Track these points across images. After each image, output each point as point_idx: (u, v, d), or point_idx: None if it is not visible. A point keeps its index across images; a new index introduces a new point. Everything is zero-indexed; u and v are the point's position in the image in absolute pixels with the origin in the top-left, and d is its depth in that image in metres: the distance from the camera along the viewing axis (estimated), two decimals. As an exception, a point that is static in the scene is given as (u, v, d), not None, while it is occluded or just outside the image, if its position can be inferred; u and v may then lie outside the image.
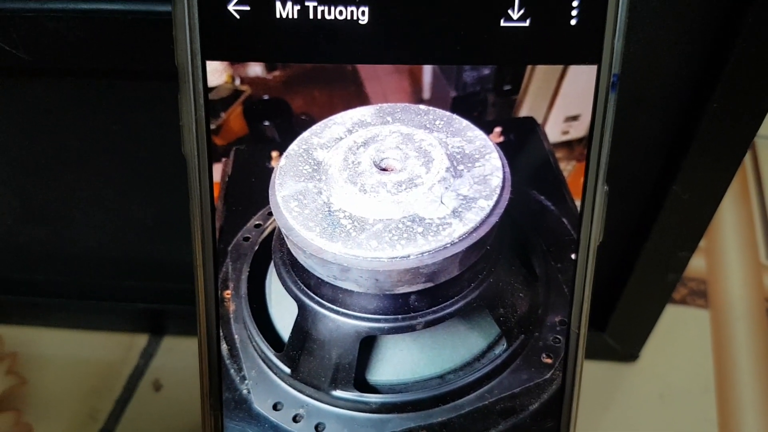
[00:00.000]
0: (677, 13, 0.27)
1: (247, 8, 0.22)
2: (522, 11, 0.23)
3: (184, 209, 0.26)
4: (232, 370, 0.27)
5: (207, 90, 0.23)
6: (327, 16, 0.22)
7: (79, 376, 0.38)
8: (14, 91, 0.31)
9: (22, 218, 0.36)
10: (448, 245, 0.25)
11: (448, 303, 0.26)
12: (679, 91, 0.29)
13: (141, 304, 0.39)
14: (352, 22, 0.22)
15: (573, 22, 0.23)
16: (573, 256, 0.26)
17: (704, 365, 0.41)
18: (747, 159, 0.53)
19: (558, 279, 0.27)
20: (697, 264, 0.46)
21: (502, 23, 0.23)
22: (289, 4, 0.22)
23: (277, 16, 0.22)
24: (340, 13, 0.22)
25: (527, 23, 0.23)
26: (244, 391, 0.27)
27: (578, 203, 0.25)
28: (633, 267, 0.35)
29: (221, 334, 0.26)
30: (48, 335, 0.40)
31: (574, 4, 0.23)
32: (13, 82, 0.31)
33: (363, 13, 0.22)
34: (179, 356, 0.39)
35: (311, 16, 0.22)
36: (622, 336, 0.39)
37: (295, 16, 0.22)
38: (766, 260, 0.46)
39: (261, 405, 0.27)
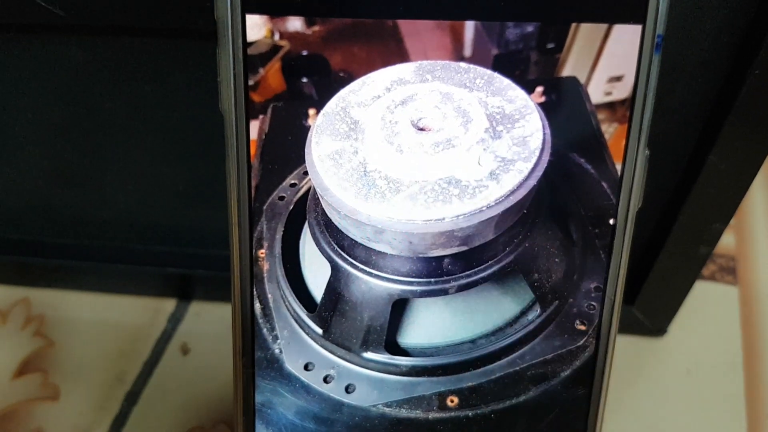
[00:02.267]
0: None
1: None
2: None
3: (216, 175, 0.26)
4: (264, 330, 0.27)
5: (246, 45, 0.23)
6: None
7: (107, 339, 0.39)
8: (48, 50, 0.31)
9: (53, 180, 0.36)
10: (484, 208, 0.25)
11: (482, 267, 0.26)
12: (718, 58, 0.29)
13: (170, 269, 0.39)
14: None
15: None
16: (611, 221, 0.25)
17: (732, 342, 0.41)
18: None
19: (595, 244, 0.26)
20: (726, 241, 0.45)
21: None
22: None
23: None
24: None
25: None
26: (276, 351, 0.27)
27: (618, 167, 0.25)
28: (665, 239, 0.34)
29: (255, 293, 0.26)
30: (75, 298, 0.40)
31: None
32: (47, 41, 0.30)
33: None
34: (207, 321, 0.39)
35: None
36: (650, 310, 0.38)
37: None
38: (796, 239, 0.46)
39: (292, 365, 0.27)
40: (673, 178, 0.33)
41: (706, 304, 0.42)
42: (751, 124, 0.29)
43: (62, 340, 0.38)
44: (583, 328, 0.27)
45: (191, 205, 0.37)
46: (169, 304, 0.40)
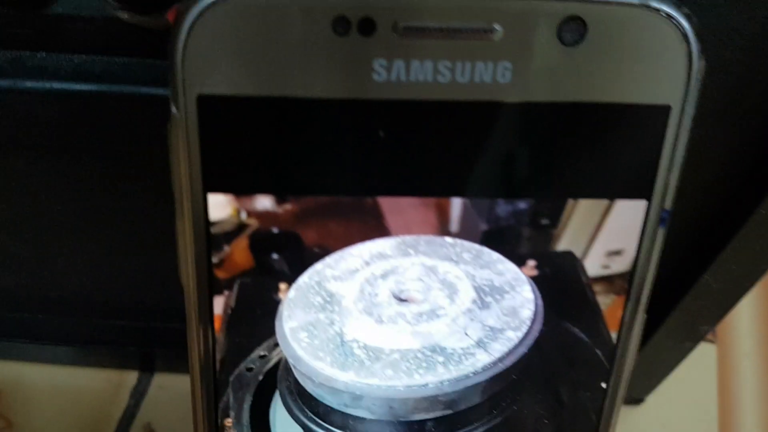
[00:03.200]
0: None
1: (254, 135, 0.20)
2: (572, 144, 0.20)
3: (172, 263, 0.23)
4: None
5: (208, 224, 0.20)
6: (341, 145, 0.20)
7: (68, 418, 0.37)
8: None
9: (2, 264, 0.33)
10: (471, 375, 0.23)
11: (466, 429, 0.25)
12: (725, 182, 0.27)
13: (130, 347, 0.37)
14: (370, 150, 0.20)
15: (624, 155, 0.20)
16: (603, 385, 0.24)
17: (709, 404, 0.40)
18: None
19: (586, 407, 0.25)
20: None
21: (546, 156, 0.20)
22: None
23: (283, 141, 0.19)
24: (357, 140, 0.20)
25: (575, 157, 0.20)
26: None
27: (614, 334, 0.23)
28: (651, 334, 0.33)
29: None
30: (33, 371, 0.38)
31: (628, 136, 0.20)
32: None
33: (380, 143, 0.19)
34: (172, 395, 0.38)
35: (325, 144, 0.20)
36: (630, 388, 0.38)
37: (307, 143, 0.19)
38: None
39: None
40: (664, 288, 0.31)
41: (684, 363, 0.41)
42: (750, 250, 0.28)
43: (21, 420, 0.37)
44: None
45: (149, 287, 0.34)
46: (131, 377, 0.38)
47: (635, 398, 0.39)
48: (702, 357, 0.42)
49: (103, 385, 0.38)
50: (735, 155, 0.26)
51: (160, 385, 0.38)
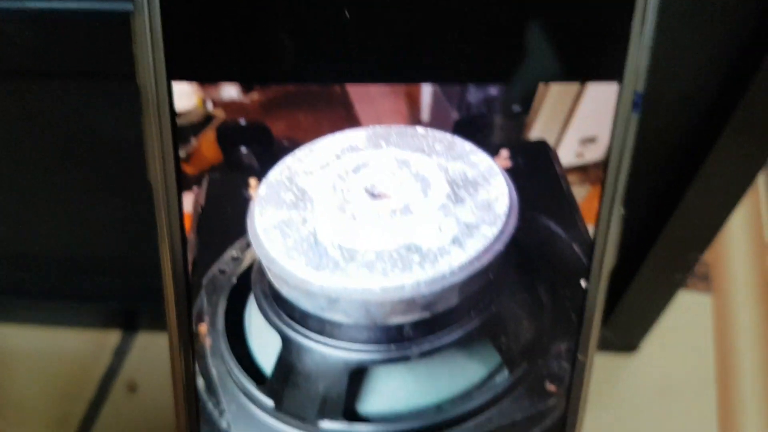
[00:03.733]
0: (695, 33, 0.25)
1: (218, 20, 0.19)
2: (540, 24, 0.20)
3: (152, 208, 0.23)
4: (210, 404, 0.25)
5: (174, 114, 0.20)
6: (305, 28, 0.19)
7: (49, 378, 0.36)
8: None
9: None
10: (447, 275, 0.23)
11: (445, 332, 0.24)
12: (700, 93, 0.27)
13: (113, 303, 0.36)
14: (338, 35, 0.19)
15: (594, 35, 0.20)
16: (582, 283, 0.23)
17: (705, 355, 0.39)
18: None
19: (566, 306, 0.24)
20: (698, 244, 0.44)
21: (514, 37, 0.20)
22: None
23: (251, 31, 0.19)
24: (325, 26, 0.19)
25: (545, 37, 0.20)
26: (224, 425, 0.25)
27: (590, 227, 0.23)
28: (640, 264, 0.33)
29: (197, 368, 0.24)
30: (14, 332, 0.38)
31: (596, 15, 0.20)
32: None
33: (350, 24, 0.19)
34: (154, 354, 0.37)
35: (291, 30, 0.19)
36: (622, 330, 0.37)
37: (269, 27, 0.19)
38: (770, 238, 0.44)
39: (242, 441, 0.25)
40: (650, 208, 0.31)
41: (679, 314, 0.41)
42: (732, 161, 0.27)
43: (2, 381, 0.36)
44: (553, 389, 0.26)
45: (130, 237, 0.34)
46: (113, 337, 0.38)
47: (630, 345, 0.38)
48: (697, 307, 0.41)
49: (85, 345, 0.37)
50: (708, 64, 0.26)
51: (144, 345, 0.38)
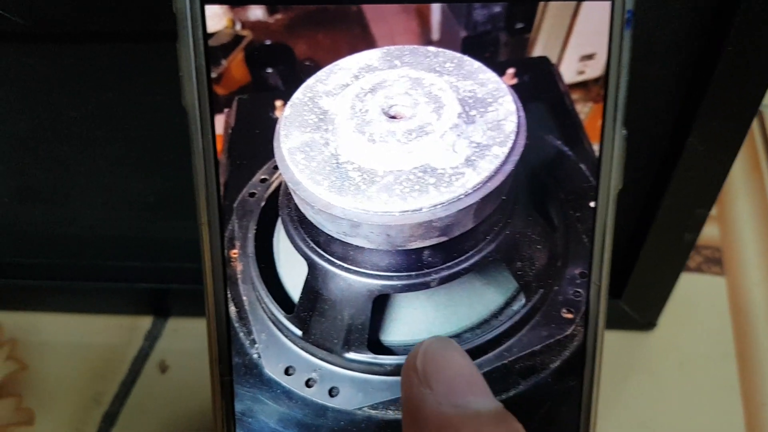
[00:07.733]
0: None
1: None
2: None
3: (187, 184, 0.25)
4: (241, 334, 0.26)
5: (207, 36, 0.22)
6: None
7: (82, 360, 0.37)
8: (7, 60, 0.30)
9: (18, 196, 0.35)
10: (462, 196, 0.24)
11: (463, 258, 0.25)
12: (689, 38, 0.28)
13: (143, 285, 0.38)
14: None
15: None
16: (592, 204, 0.25)
17: (723, 332, 0.40)
18: (755, 127, 0.52)
19: (577, 229, 0.26)
20: (710, 232, 0.45)
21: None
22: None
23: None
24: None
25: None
26: (255, 356, 0.26)
27: (596, 147, 0.24)
28: (649, 228, 0.34)
29: (229, 295, 0.25)
30: (48, 320, 0.39)
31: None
32: (6, 51, 0.30)
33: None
34: (186, 337, 0.38)
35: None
36: (639, 303, 0.38)
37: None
38: (780, 227, 0.45)
39: (272, 370, 0.26)
40: (653, 165, 0.32)
41: (695, 296, 0.42)
42: (728, 103, 0.29)
43: (36, 363, 0.37)
44: (570, 316, 0.26)
45: (162, 217, 0.36)
46: (145, 322, 0.39)
47: (647, 321, 0.39)
48: (712, 289, 0.42)
49: (117, 330, 0.39)
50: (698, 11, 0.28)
51: (175, 329, 0.39)
